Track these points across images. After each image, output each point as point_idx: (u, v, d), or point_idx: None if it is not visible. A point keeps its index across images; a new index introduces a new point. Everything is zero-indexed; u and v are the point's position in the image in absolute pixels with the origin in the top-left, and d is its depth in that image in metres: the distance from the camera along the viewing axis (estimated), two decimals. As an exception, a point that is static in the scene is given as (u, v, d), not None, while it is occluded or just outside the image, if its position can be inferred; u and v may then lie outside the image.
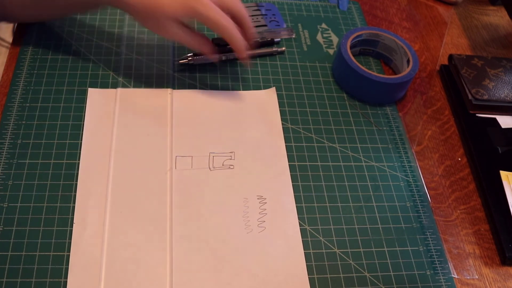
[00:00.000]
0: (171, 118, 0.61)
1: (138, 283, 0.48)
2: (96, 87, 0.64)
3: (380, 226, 0.57)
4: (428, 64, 0.77)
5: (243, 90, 0.66)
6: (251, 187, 0.57)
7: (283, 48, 0.73)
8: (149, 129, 0.60)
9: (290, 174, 0.59)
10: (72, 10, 0.67)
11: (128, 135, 0.59)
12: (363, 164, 0.62)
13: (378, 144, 0.64)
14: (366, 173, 0.61)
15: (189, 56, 0.67)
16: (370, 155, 0.63)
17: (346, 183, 0.60)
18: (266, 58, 0.71)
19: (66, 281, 0.48)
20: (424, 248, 0.56)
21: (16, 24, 0.70)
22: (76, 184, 0.54)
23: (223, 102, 0.64)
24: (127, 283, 0.48)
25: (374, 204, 0.58)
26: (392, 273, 0.53)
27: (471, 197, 0.62)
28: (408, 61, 0.69)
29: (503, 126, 0.68)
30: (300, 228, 0.55)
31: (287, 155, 0.61)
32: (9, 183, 0.54)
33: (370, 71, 0.66)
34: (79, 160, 0.56)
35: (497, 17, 0.88)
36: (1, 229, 0.51)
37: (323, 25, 0.79)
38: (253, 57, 0.70)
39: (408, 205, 0.59)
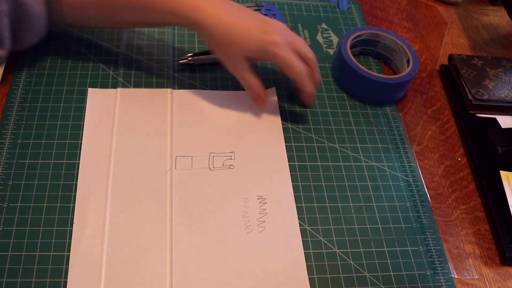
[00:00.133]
0: (171, 118, 0.61)
1: (138, 283, 0.48)
2: (96, 87, 0.64)
3: (380, 226, 0.57)
4: (428, 64, 0.77)
5: (243, 90, 0.66)
6: (251, 187, 0.57)
7: (283, 48, 0.73)
8: (149, 129, 0.60)
9: (290, 174, 0.59)
10: (142, 26, 0.67)
11: (128, 135, 0.59)
12: (363, 164, 0.62)
13: (378, 144, 0.64)
14: (366, 173, 0.61)
15: (189, 56, 0.67)
16: (370, 155, 0.63)
17: (346, 183, 0.60)
18: (266, 58, 0.71)
19: (66, 281, 0.48)
20: (424, 248, 0.56)
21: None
22: (76, 184, 0.54)
23: (223, 102, 0.64)
24: (127, 283, 0.48)
25: (374, 204, 0.58)
26: (392, 273, 0.53)
27: (471, 197, 0.62)
28: (408, 61, 0.69)
29: (503, 126, 0.68)
30: (300, 228, 0.55)
31: (287, 155, 0.61)
32: (9, 183, 0.54)
33: (370, 71, 0.66)
34: (79, 160, 0.56)
35: (497, 17, 0.88)
36: (1, 229, 0.51)
37: (323, 25, 0.79)
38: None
39: (408, 205, 0.59)
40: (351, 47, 0.70)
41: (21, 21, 0.58)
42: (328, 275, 0.52)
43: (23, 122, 0.59)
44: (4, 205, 0.52)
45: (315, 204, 0.57)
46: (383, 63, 0.74)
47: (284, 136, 0.63)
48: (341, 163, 0.61)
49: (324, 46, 0.76)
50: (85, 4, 0.60)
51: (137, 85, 0.65)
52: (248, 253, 0.52)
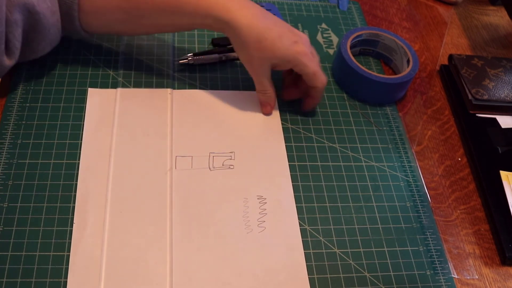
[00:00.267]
0: (171, 118, 0.61)
1: (138, 283, 0.48)
2: (96, 87, 0.64)
3: (380, 226, 0.57)
4: (428, 64, 0.77)
5: (243, 90, 0.66)
6: (251, 187, 0.57)
7: (283, 48, 0.73)
8: (149, 129, 0.60)
9: (290, 174, 0.59)
10: (167, 30, 0.65)
11: (128, 135, 0.59)
12: (363, 164, 0.62)
13: (378, 144, 0.64)
14: (366, 173, 0.61)
15: (189, 56, 0.67)
16: (370, 155, 0.63)
17: (346, 183, 0.60)
18: (266, 58, 0.71)
19: (66, 281, 0.48)
20: (424, 248, 0.56)
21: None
22: (76, 184, 0.54)
23: (223, 102, 0.64)
24: (127, 283, 0.48)
25: (374, 204, 0.58)
26: (392, 273, 0.53)
27: (471, 197, 0.62)
28: (408, 61, 0.69)
29: (503, 126, 0.68)
30: (300, 228, 0.55)
31: (287, 155, 0.61)
32: (9, 183, 0.54)
33: (370, 71, 0.66)
34: (79, 160, 0.56)
35: (497, 17, 0.88)
36: (1, 229, 0.51)
37: (323, 25, 0.79)
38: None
39: (408, 205, 0.59)
40: (351, 47, 0.70)
41: (35, 31, 0.58)
42: (328, 275, 0.52)
43: (23, 122, 0.59)
44: (4, 205, 0.52)
45: (315, 204, 0.57)
46: (383, 63, 0.74)
47: (284, 136, 0.63)
48: (341, 163, 0.61)
49: (324, 46, 0.76)
50: (110, 9, 0.59)
51: (137, 85, 0.65)
52: (248, 253, 0.52)
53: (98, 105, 0.61)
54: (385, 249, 0.55)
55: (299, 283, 0.51)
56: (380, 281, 0.52)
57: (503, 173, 0.62)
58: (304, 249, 0.53)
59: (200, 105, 0.64)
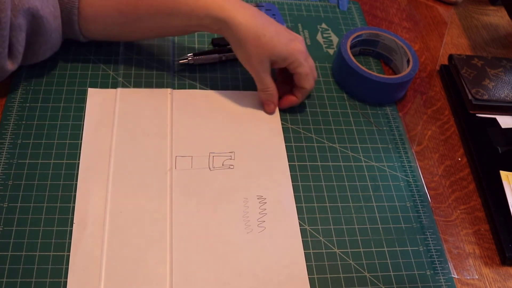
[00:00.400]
0: (171, 118, 0.61)
1: (138, 283, 0.48)
2: (96, 87, 0.64)
3: (380, 226, 0.57)
4: (428, 64, 0.77)
5: (243, 90, 0.66)
6: (251, 187, 0.57)
7: (283, 48, 0.73)
8: (149, 129, 0.60)
9: (290, 174, 0.59)
10: (165, 33, 0.65)
11: (128, 135, 0.59)
12: (363, 164, 0.62)
13: (378, 144, 0.64)
14: (366, 173, 0.61)
15: (189, 56, 0.67)
16: (370, 155, 0.63)
17: (346, 183, 0.60)
18: (266, 58, 0.71)
19: (66, 281, 0.48)
20: (424, 248, 0.56)
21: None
22: (76, 184, 0.54)
23: (223, 102, 0.64)
24: (127, 283, 0.48)
25: (374, 204, 0.58)
26: (392, 273, 0.53)
27: (471, 197, 0.62)
28: (408, 61, 0.69)
29: (503, 126, 0.68)
30: (300, 228, 0.55)
31: (287, 155, 0.61)
32: (9, 183, 0.54)
33: (370, 71, 0.66)
34: (79, 160, 0.56)
35: (497, 17, 0.88)
36: (1, 229, 0.51)
37: (323, 25, 0.79)
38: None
39: (408, 205, 0.59)
40: (351, 47, 0.70)
41: (37, 35, 0.58)
42: (328, 275, 0.52)
43: (23, 122, 0.59)
44: (4, 205, 0.52)
45: (315, 204, 0.57)
46: (383, 63, 0.74)
47: (284, 136, 0.63)
48: (341, 163, 0.61)
49: (324, 46, 0.76)
50: (109, 12, 0.59)
51: (137, 85, 0.65)
52: (248, 253, 0.52)
53: (98, 105, 0.61)
54: (385, 249, 0.55)
55: (299, 283, 0.51)
56: (380, 281, 0.52)
57: (503, 173, 0.62)
58: (304, 249, 0.53)
59: (200, 105, 0.64)
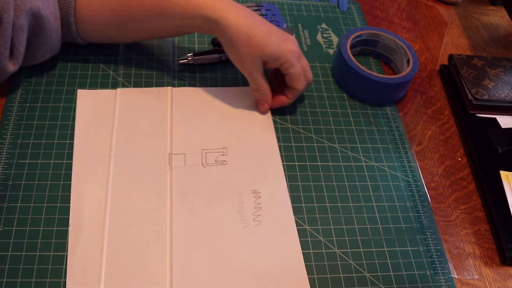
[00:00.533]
0: (171, 117, 0.61)
1: (138, 283, 0.48)
2: (96, 87, 0.64)
3: (380, 226, 0.57)
4: (428, 64, 0.77)
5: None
6: (245, 182, 0.57)
7: (283, 48, 0.73)
8: (149, 129, 0.60)
9: (291, 174, 0.59)
10: (159, 34, 0.64)
11: (128, 135, 0.59)
12: (363, 164, 0.62)
13: (378, 144, 0.64)
14: (366, 173, 0.61)
15: (189, 56, 0.67)
16: (370, 155, 0.63)
17: (346, 183, 0.60)
18: (266, 58, 0.71)
19: (66, 281, 0.48)
20: (424, 248, 0.56)
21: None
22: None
23: (216, 99, 0.64)
24: (127, 283, 0.48)
25: (374, 204, 0.58)
26: (392, 273, 0.53)
27: (471, 197, 0.62)
28: (408, 61, 0.69)
29: (503, 126, 0.68)
30: (300, 228, 0.55)
31: (287, 155, 0.61)
32: (9, 183, 0.54)
33: (370, 71, 0.66)
34: (78, 160, 0.56)
35: (497, 17, 0.88)
36: (1, 229, 0.51)
37: (323, 25, 0.79)
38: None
39: (408, 205, 0.59)
40: (351, 47, 0.70)
41: (37, 36, 0.58)
42: (328, 275, 0.52)
43: (23, 122, 0.59)
44: (4, 205, 0.52)
45: (315, 204, 0.57)
46: (383, 63, 0.74)
47: (284, 136, 0.63)
48: (341, 163, 0.61)
49: (324, 46, 0.76)
50: (103, 13, 0.59)
51: (137, 85, 0.65)
52: (245, 248, 0.52)
53: (89, 105, 0.61)
54: (385, 249, 0.55)
55: (297, 275, 0.51)
56: (380, 281, 0.52)
57: (503, 173, 0.62)
58: (304, 249, 0.53)
59: (198, 102, 0.64)
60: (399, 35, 0.77)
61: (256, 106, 0.64)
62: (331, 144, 0.63)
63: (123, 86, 0.64)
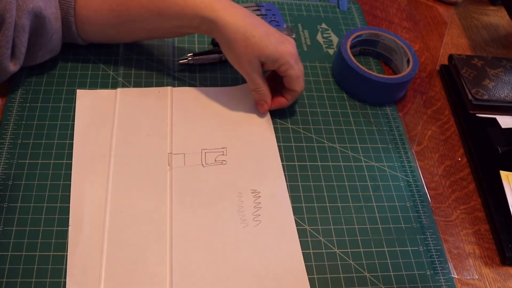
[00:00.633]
0: (171, 117, 0.61)
1: (138, 283, 0.48)
2: (96, 87, 0.64)
3: (380, 226, 0.57)
4: (428, 64, 0.77)
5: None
6: (245, 181, 0.57)
7: (283, 48, 0.73)
8: (149, 129, 0.60)
9: (290, 174, 0.59)
10: (158, 34, 0.64)
11: (128, 135, 0.59)
12: (363, 164, 0.62)
13: (378, 144, 0.64)
14: (366, 173, 0.61)
15: (189, 56, 0.67)
16: (370, 155, 0.63)
17: (346, 183, 0.60)
18: (266, 58, 0.71)
19: (66, 281, 0.48)
20: (424, 248, 0.56)
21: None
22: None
23: (220, 99, 0.64)
24: (127, 283, 0.48)
25: (374, 204, 0.58)
26: (392, 273, 0.53)
27: (471, 197, 0.62)
28: (408, 61, 0.69)
29: (503, 126, 0.68)
30: (300, 228, 0.55)
31: (288, 155, 0.61)
32: (9, 183, 0.54)
33: (370, 71, 0.66)
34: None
35: (497, 17, 0.88)
36: (1, 229, 0.51)
37: (323, 25, 0.79)
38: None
39: (408, 205, 0.59)
40: (351, 47, 0.70)
41: (38, 36, 0.58)
42: (328, 275, 0.52)
43: (23, 122, 0.59)
44: (4, 205, 0.52)
45: (315, 204, 0.57)
46: (383, 63, 0.74)
47: (284, 136, 0.63)
48: (341, 163, 0.61)
49: (324, 46, 0.76)
50: (103, 13, 0.59)
51: (137, 85, 0.65)
52: (245, 247, 0.52)
53: (89, 105, 0.61)
54: (385, 249, 0.55)
55: (297, 274, 0.51)
56: (380, 281, 0.52)
57: (503, 173, 0.62)
58: (304, 249, 0.53)
59: (197, 102, 0.64)
60: (399, 35, 0.77)
61: (256, 105, 0.64)
62: (331, 144, 0.63)
63: (123, 86, 0.64)
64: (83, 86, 0.64)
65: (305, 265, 0.52)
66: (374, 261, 0.54)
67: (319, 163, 0.61)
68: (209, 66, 0.69)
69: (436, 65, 0.77)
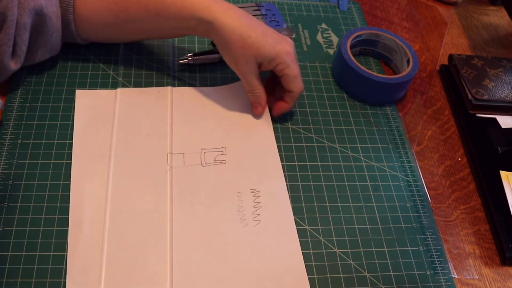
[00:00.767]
0: (171, 117, 0.61)
1: (138, 283, 0.48)
2: (96, 87, 0.64)
3: (380, 226, 0.57)
4: (428, 64, 0.77)
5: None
6: (244, 181, 0.57)
7: (283, 48, 0.73)
8: (149, 129, 0.60)
9: (290, 174, 0.59)
10: (157, 35, 0.64)
11: (128, 134, 0.59)
12: (363, 164, 0.62)
13: (378, 144, 0.64)
14: (366, 173, 0.61)
15: (189, 56, 0.67)
16: (370, 155, 0.63)
17: (346, 183, 0.60)
18: (266, 58, 0.71)
19: (66, 281, 0.48)
20: (424, 248, 0.56)
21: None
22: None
23: (219, 99, 0.64)
24: (127, 283, 0.48)
25: (374, 204, 0.58)
26: (392, 273, 0.53)
27: (471, 197, 0.62)
28: (408, 61, 0.69)
29: (503, 126, 0.68)
30: (300, 228, 0.55)
31: (287, 155, 0.61)
32: (9, 183, 0.54)
33: (370, 71, 0.66)
34: (78, 160, 0.56)
35: (497, 17, 0.88)
36: (1, 229, 0.51)
37: (323, 25, 0.79)
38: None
39: (408, 205, 0.59)
40: (351, 47, 0.70)
41: (38, 35, 0.58)
42: (328, 275, 0.52)
43: (23, 122, 0.59)
44: (4, 205, 0.52)
45: (315, 204, 0.57)
46: (383, 63, 0.74)
47: (284, 136, 0.63)
48: (341, 163, 0.61)
49: (324, 46, 0.76)
50: (101, 11, 0.60)
51: (137, 85, 0.65)
52: (245, 247, 0.52)
53: (88, 105, 0.61)
54: (385, 249, 0.55)
55: (297, 274, 0.51)
56: (380, 281, 0.52)
57: (503, 173, 0.62)
58: (304, 249, 0.53)
59: (197, 102, 0.64)
60: (399, 35, 0.77)
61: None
62: (331, 144, 0.63)
63: (123, 86, 0.64)
64: (83, 86, 0.64)
65: (305, 265, 0.52)
66: (374, 261, 0.54)
67: (319, 163, 0.61)
68: (209, 66, 0.69)
69: (436, 65, 0.77)
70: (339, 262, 0.53)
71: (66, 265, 0.49)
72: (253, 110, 0.63)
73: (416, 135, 0.67)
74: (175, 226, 0.52)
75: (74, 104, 0.61)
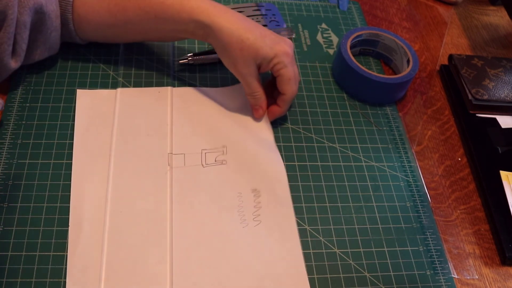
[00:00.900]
0: (171, 117, 0.61)
1: (138, 283, 0.48)
2: (96, 87, 0.64)
3: (380, 226, 0.57)
4: (428, 64, 0.77)
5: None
6: (245, 181, 0.57)
7: (283, 48, 0.73)
8: (149, 129, 0.60)
9: (290, 174, 0.59)
10: (155, 37, 0.64)
11: (128, 135, 0.59)
12: (363, 164, 0.62)
13: (378, 144, 0.64)
14: (366, 173, 0.61)
15: (189, 56, 0.67)
16: (370, 155, 0.63)
17: (346, 183, 0.60)
18: (266, 58, 0.71)
19: (66, 281, 0.48)
20: (424, 248, 0.56)
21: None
22: (76, 184, 0.54)
23: (219, 99, 0.64)
24: (127, 283, 0.48)
25: (374, 204, 0.58)
26: (392, 273, 0.53)
27: (471, 197, 0.62)
28: (408, 61, 0.69)
29: (503, 126, 0.68)
30: (300, 228, 0.55)
31: (287, 155, 0.61)
32: (9, 183, 0.54)
33: (370, 71, 0.66)
34: (78, 160, 0.56)
35: (497, 17, 0.88)
36: (1, 229, 0.51)
37: (323, 25, 0.79)
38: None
39: (408, 205, 0.59)
40: (351, 47, 0.70)
41: (37, 33, 0.58)
42: (328, 275, 0.52)
43: (23, 122, 0.59)
44: (4, 205, 0.52)
45: (315, 204, 0.57)
46: (383, 63, 0.74)
47: (284, 136, 0.63)
48: (341, 163, 0.61)
49: (324, 46, 0.76)
50: (100, 12, 0.60)
51: (137, 85, 0.65)
52: (245, 247, 0.52)
53: (89, 105, 0.61)
54: (385, 249, 0.55)
55: (297, 274, 0.51)
56: (380, 281, 0.52)
57: (503, 173, 0.62)
58: (304, 249, 0.53)
59: (197, 102, 0.64)
60: (399, 35, 0.77)
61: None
62: (331, 144, 0.63)
63: (123, 86, 0.64)
64: (83, 86, 0.64)
65: (305, 265, 0.52)
66: (374, 261, 0.54)
67: (319, 163, 0.61)
68: (209, 66, 0.69)
69: (436, 65, 0.77)
70: (339, 262, 0.53)
71: (66, 265, 0.49)
72: (253, 113, 0.63)
73: (416, 135, 0.67)
74: (175, 226, 0.52)
75: (75, 104, 0.61)
